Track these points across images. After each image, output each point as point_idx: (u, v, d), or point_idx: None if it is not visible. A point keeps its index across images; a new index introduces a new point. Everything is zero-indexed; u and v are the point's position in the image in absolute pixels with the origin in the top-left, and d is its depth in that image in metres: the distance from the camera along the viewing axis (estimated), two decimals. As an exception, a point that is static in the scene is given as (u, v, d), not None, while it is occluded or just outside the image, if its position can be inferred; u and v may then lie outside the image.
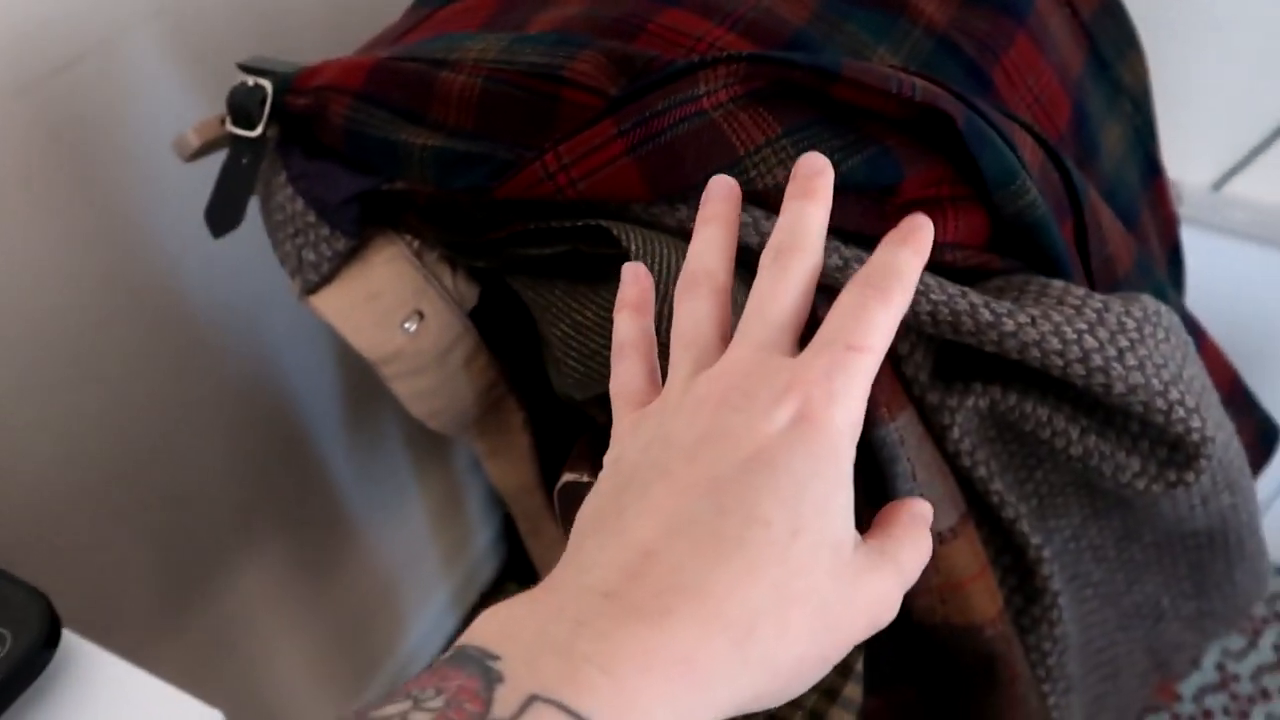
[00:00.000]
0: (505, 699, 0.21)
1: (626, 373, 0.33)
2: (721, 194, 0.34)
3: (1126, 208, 0.66)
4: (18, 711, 0.37)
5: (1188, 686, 0.84)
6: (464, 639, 0.23)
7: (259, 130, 0.52)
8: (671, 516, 0.25)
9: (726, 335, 0.31)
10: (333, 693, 1.18)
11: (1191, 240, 0.78)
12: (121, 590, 0.80)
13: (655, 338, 0.34)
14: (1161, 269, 0.69)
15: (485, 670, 0.22)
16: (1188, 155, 1.10)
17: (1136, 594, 0.59)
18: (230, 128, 0.53)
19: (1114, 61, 0.68)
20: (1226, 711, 0.80)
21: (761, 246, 0.46)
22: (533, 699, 0.21)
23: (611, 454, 0.29)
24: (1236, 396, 0.70)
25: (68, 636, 0.39)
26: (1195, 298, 0.79)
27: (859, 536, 0.27)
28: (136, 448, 0.78)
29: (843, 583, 0.26)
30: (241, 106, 0.52)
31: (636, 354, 0.33)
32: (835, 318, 0.28)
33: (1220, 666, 0.83)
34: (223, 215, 0.53)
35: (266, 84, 0.52)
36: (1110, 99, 0.68)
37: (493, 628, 0.23)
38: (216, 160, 0.56)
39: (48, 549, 0.71)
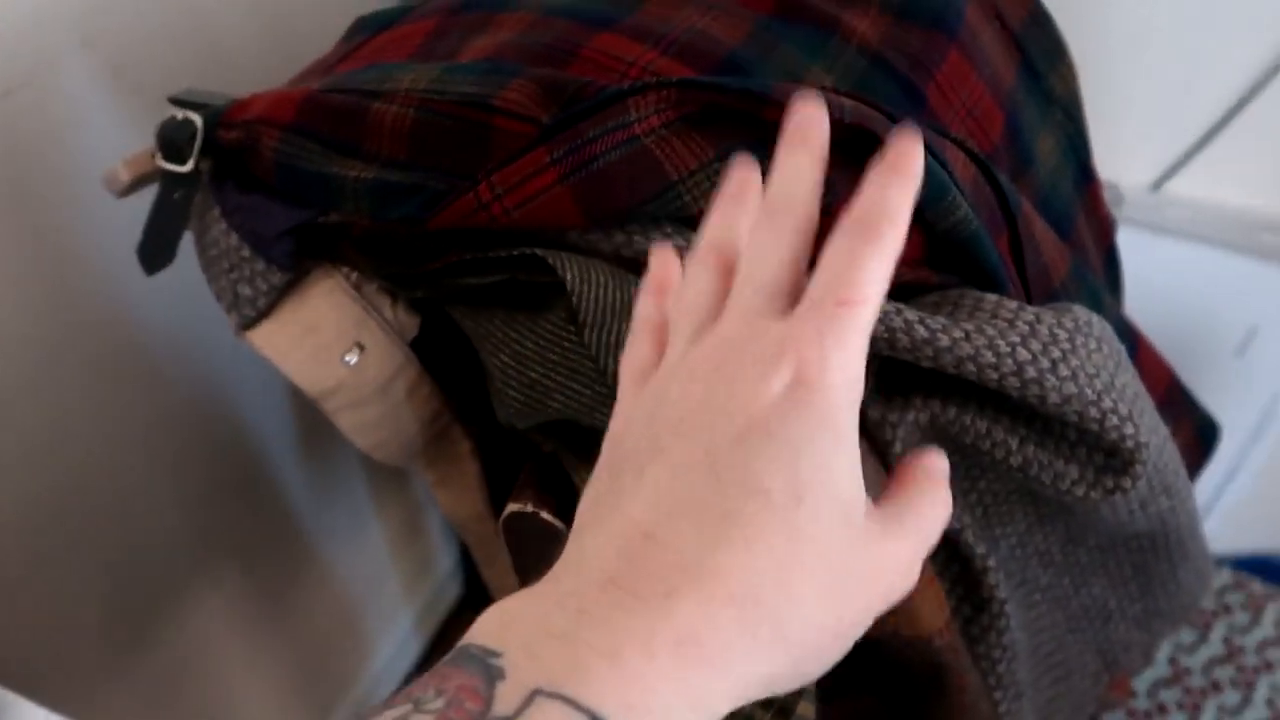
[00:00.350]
0: (507, 695, 0.21)
1: (636, 349, 0.32)
2: (741, 178, 0.33)
3: (1062, 215, 0.67)
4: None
5: (1142, 681, 0.85)
6: (465, 638, 0.23)
7: (190, 165, 0.51)
8: (669, 496, 0.24)
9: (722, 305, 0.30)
10: (295, 724, 1.16)
11: (1131, 240, 0.80)
12: (63, 633, 0.78)
13: (667, 320, 0.32)
14: (1098, 274, 0.71)
15: (486, 668, 0.21)
16: (1126, 156, 1.13)
17: (1084, 597, 0.60)
18: (161, 162, 0.52)
19: (1045, 72, 0.70)
20: (1180, 705, 0.81)
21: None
22: (535, 693, 0.21)
23: (612, 430, 0.29)
24: (1175, 396, 0.72)
25: (5, 696, 0.38)
26: (1136, 297, 0.80)
27: (870, 502, 0.26)
28: (80, 482, 0.76)
29: (854, 548, 0.25)
30: (171, 141, 0.51)
31: (649, 333, 0.32)
32: (824, 270, 0.27)
33: (1173, 660, 0.84)
34: (155, 252, 0.52)
35: (196, 118, 0.51)
36: (1042, 109, 0.70)
37: (493, 624, 0.23)
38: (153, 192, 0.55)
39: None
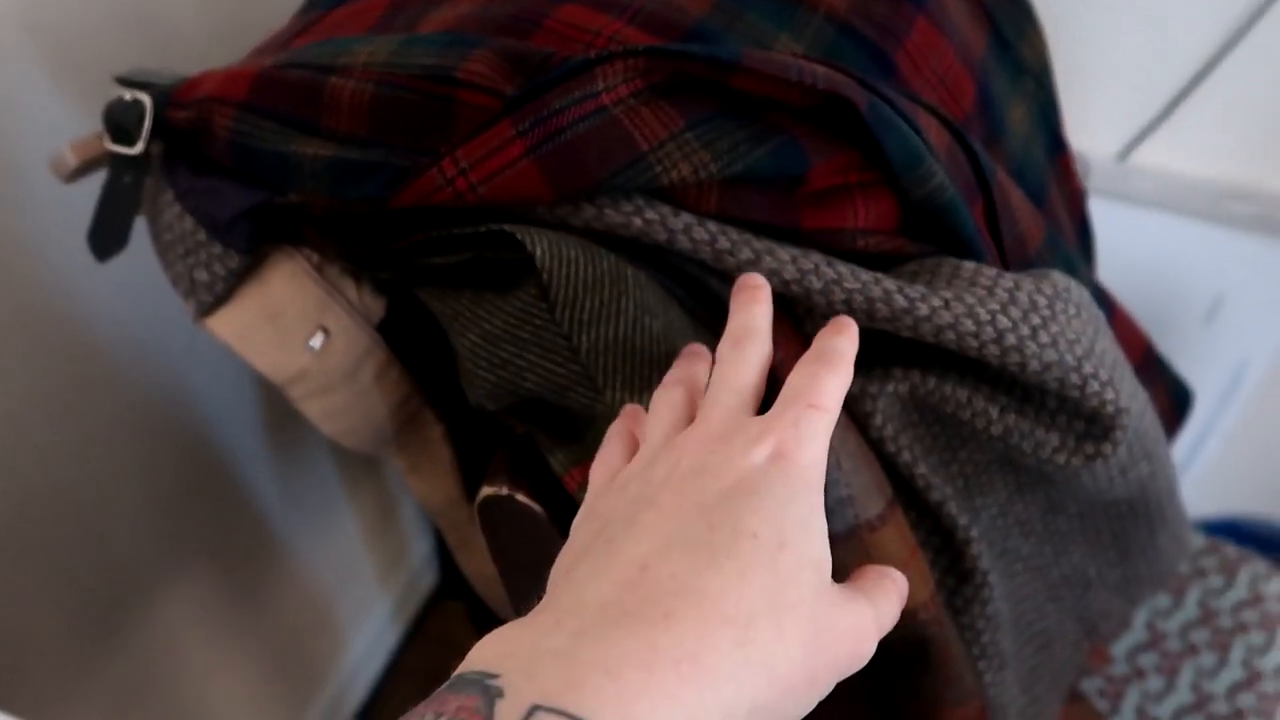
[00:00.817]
0: (506, 713, 0.21)
1: (608, 453, 0.36)
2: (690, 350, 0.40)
3: (1035, 185, 0.67)
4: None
5: (1119, 647, 0.86)
6: (461, 667, 0.23)
7: (140, 147, 0.49)
8: (662, 534, 0.26)
9: (694, 416, 0.34)
10: (272, 718, 1.15)
11: (1099, 211, 0.80)
12: (25, 638, 0.76)
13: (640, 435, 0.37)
14: (1071, 243, 0.70)
15: (485, 689, 0.22)
16: (1092, 127, 1.13)
17: (1064, 565, 0.60)
18: (110, 145, 0.50)
19: (1015, 41, 0.69)
20: (1158, 669, 0.82)
21: (669, 244, 0.46)
22: (535, 709, 0.21)
23: (583, 511, 0.31)
24: (1149, 363, 0.72)
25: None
26: (1105, 267, 0.80)
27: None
28: (37, 484, 0.74)
29: (827, 602, 0.27)
30: (119, 123, 0.49)
31: (621, 441, 0.36)
32: (793, 384, 0.32)
33: (1150, 625, 0.85)
34: (106, 238, 0.50)
35: (145, 98, 0.49)
36: (1013, 78, 0.69)
37: (489, 650, 0.23)
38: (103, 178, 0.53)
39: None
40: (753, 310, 0.37)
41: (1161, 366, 0.73)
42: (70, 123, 0.69)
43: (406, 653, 1.39)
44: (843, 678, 0.28)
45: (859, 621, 0.28)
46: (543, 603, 0.26)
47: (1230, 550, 0.91)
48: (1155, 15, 1.03)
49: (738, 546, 0.26)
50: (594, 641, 0.23)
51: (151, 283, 0.79)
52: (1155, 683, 0.81)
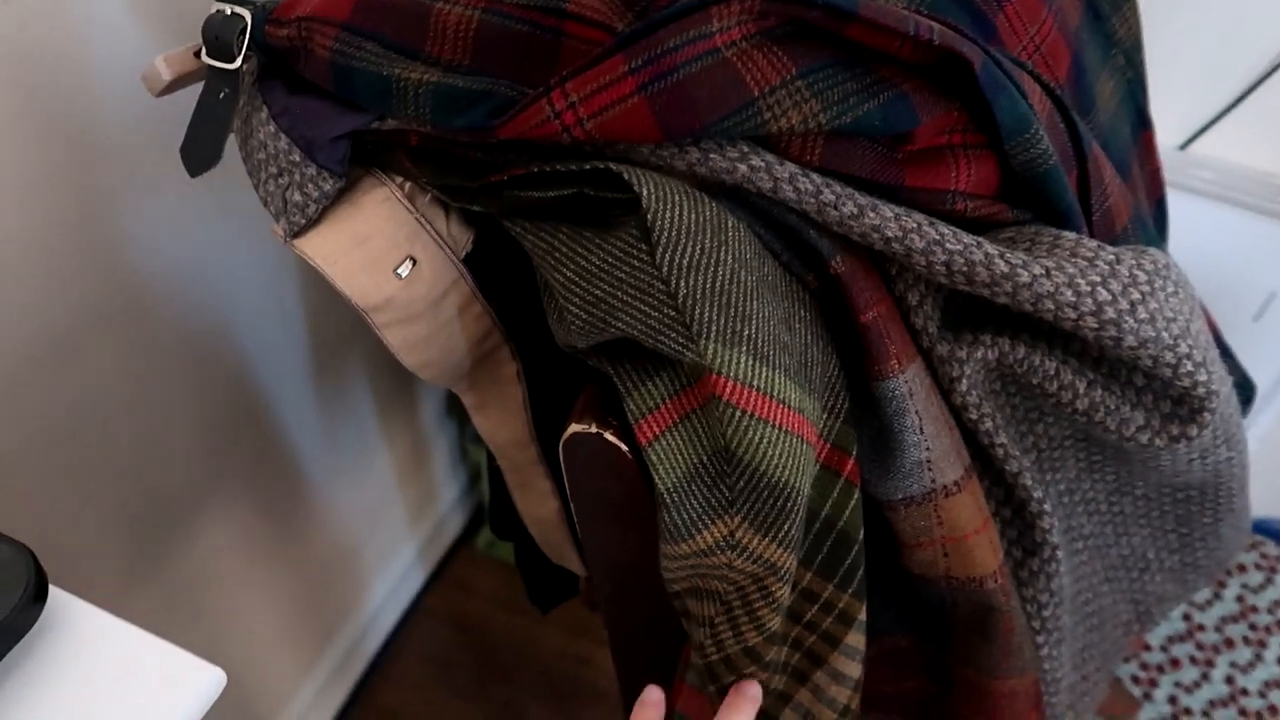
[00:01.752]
0: None
1: None
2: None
3: (1119, 161, 0.66)
4: (6, 669, 0.35)
5: (1156, 636, 0.86)
6: None
7: (238, 63, 0.49)
8: None
9: None
10: (299, 645, 1.16)
11: (1161, 199, 0.78)
12: (76, 551, 0.77)
13: None
14: (1150, 224, 0.69)
15: None
16: (1156, 116, 1.11)
17: (1124, 546, 0.60)
18: (206, 60, 0.49)
19: (1109, 14, 0.68)
20: (1193, 660, 0.82)
21: (773, 192, 0.45)
22: None
23: None
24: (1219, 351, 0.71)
25: (55, 592, 0.37)
26: (1173, 256, 0.79)
27: None
28: (92, 406, 0.74)
29: None
30: (218, 37, 0.49)
31: None
32: None
33: (1187, 616, 0.85)
34: (200, 153, 0.50)
35: (245, 13, 0.49)
36: (1104, 51, 0.68)
37: None
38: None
39: (3, 503, 0.67)
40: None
41: (1229, 357, 0.72)
42: (142, 42, 0.68)
43: (428, 595, 1.41)
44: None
45: None
46: None
47: (1271, 547, 0.90)
48: (1223, 8, 1.01)
49: None
50: None
51: (203, 218, 0.79)
52: (1190, 673, 0.81)
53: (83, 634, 0.37)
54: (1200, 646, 0.82)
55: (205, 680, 0.36)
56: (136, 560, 0.84)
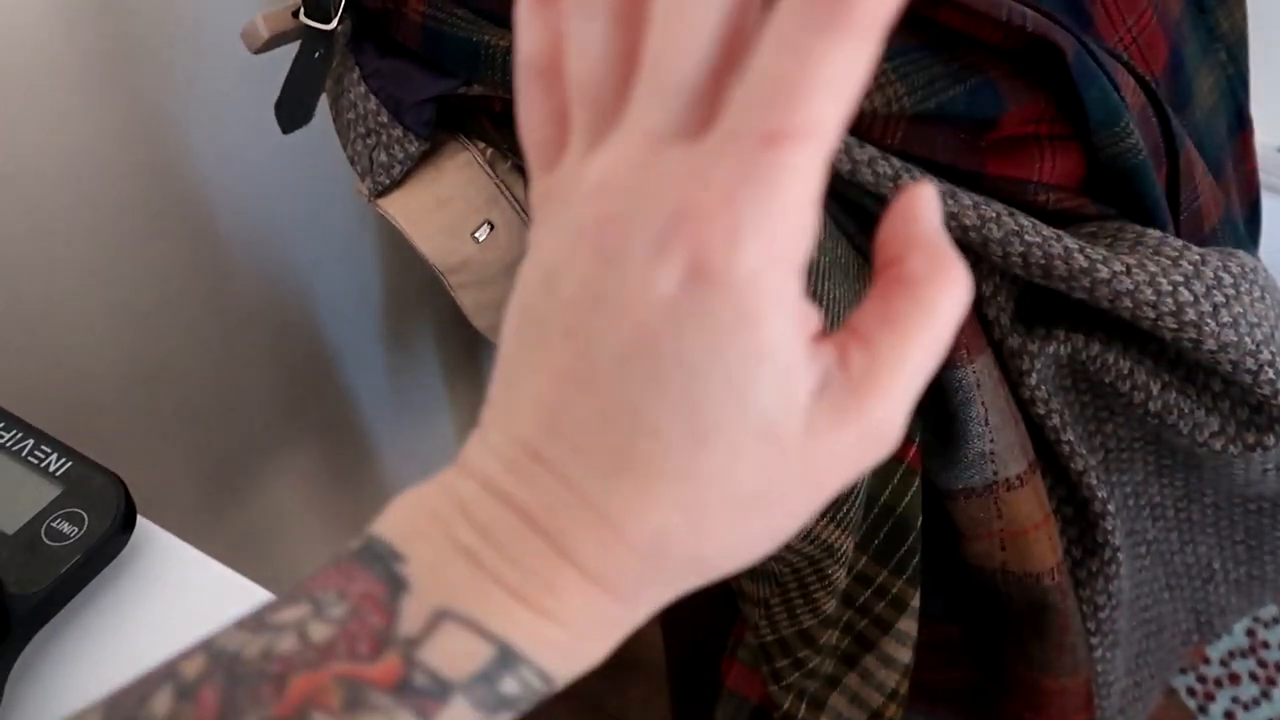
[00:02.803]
0: (412, 612, 0.19)
1: (530, 113, 0.22)
2: None
3: (1213, 159, 0.64)
4: (93, 592, 0.37)
5: (1216, 649, 0.84)
6: (376, 525, 0.21)
7: (333, 24, 0.50)
8: (552, 413, 0.20)
9: (630, 78, 0.20)
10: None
11: (1258, 201, 0.76)
12: (156, 490, 0.81)
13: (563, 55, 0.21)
14: (1241, 227, 0.67)
15: (391, 575, 0.20)
16: (1256, 115, 1.07)
17: (1189, 555, 0.59)
18: (305, 19, 0.51)
19: (1213, 7, 0.65)
20: (1254, 677, 0.80)
21: (851, 174, 0.45)
22: (442, 616, 0.19)
23: (528, 257, 0.22)
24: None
25: (141, 522, 0.39)
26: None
27: (826, 367, 0.20)
28: (181, 350, 0.78)
29: (789, 465, 0.19)
30: (316, -2, 0.50)
31: (541, 82, 0.21)
32: (750, 80, 0.17)
33: (1250, 632, 0.83)
34: (293, 110, 0.51)
35: (343, -25, 0.50)
36: (1205, 46, 0.65)
37: (402, 520, 0.21)
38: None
39: (94, 438, 0.71)
40: None
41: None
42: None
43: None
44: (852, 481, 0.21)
45: (864, 434, 0.20)
46: (469, 442, 0.21)
47: (1347, 568, 0.87)
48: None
49: (635, 450, 0.19)
50: (499, 548, 0.20)
51: (287, 180, 0.82)
52: (1249, 689, 0.79)
53: (166, 563, 0.39)
54: (1263, 664, 0.80)
55: (276, 614, 0.38)
56: (205, 504, 0.88)
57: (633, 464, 0.19)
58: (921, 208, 0.21)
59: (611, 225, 0.19)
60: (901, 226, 0.21)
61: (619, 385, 0.19)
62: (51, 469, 0.38)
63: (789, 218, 0.18)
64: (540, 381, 0.20)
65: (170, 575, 0.39)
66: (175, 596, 0.38)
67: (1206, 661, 0.82)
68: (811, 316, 0.20)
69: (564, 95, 0.21)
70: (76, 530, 0.36)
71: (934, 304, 0.20)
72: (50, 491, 0.37)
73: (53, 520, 0.36)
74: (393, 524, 0.21)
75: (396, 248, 1.01)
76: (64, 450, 0.38)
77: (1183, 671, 0.81)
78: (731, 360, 0.18)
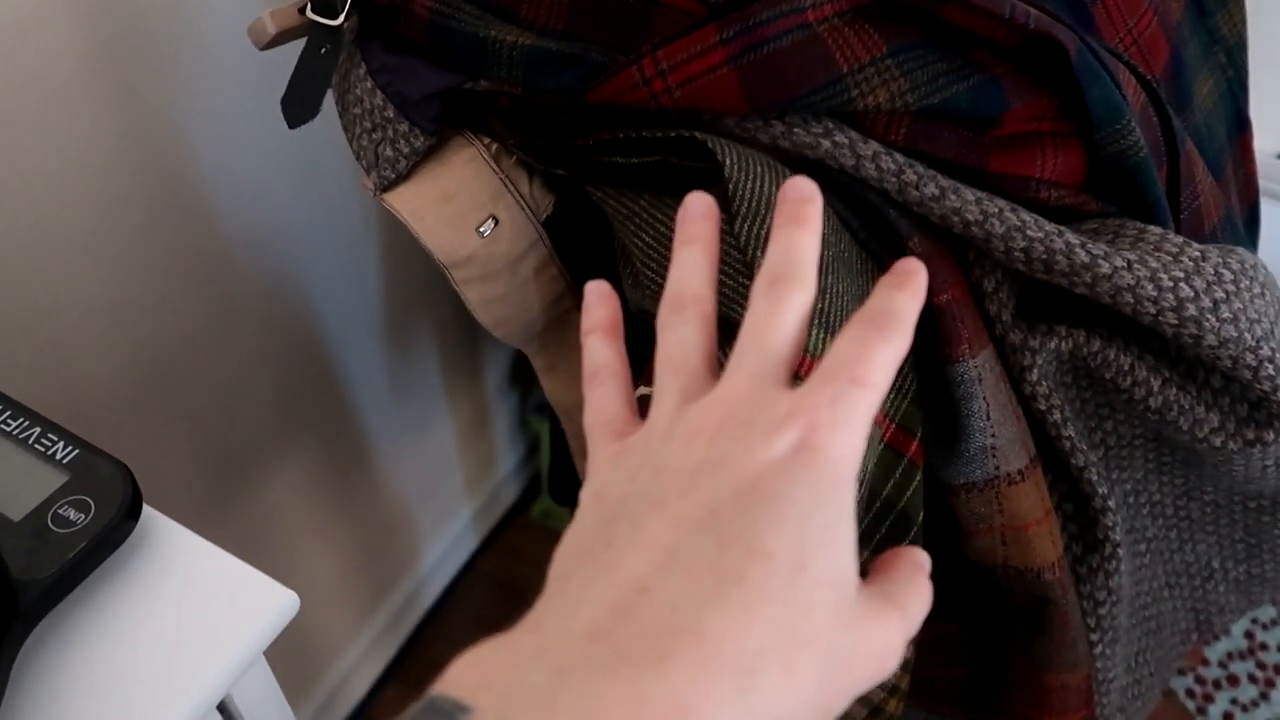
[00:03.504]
0: None
1: (603, 399, 0.30)
2: (700, 212, 0.31)
3: (1213, 161, 0.64)
4: (99, 579, 0.37)
5: (1214, 651, 0.84)
6: (438, 686, 0.21)
7: (340, 19, 0.51)
8: (667, 549, 0.23)
9: (713, 364, 0.29)
10: (356, 597, 1.20)
11: (1257, 206, 0.76)
12: (157, 489, 0.81)
13: (628, 365, 0.32)
14: (1241, 228, 0.68)
15: None
16: (1256, 121, 1.07)
17: (1188, 553, 0.59)
18: (311, 15, 0.51)
19: (1213, 10, 0.66)
20: (1252, 679, 0.80)
21: (854, 170, 0.45)
22: None
23: (591, 486, 0.27)
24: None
25: (147, 510, 0.39)
26: (1264, 264, 0.77)
27: (860, 581, 0.26)
28: (183, 343, 0.78)
29: (848, 627, 0.24)
30: (323, -7, 0.50)
31: (613, 379, 0.30)
32: (837, 352, 0.26)
33: (1248, 634, 0.83)
34: (299, 106, 0.52)
35: (350, -29, 0.50)
36: (1205, 49, 0.66)
37: (468, 675, 0.22)
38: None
39: (97, 434, 0.71)
40: (798, 239, 0.28)
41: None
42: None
43: (481, 559, 1.44)
44: (858, 696, 0.25)
45: (885, 640, 0.25)
46: (533, 613, 0.23)
47: (1345, 571, 0.87)
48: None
49: (749, 571, 0.22)
50: (577, 684, 0.20)
51: (289, 176, 0.82)
52: (1248, 691, 0.79)
53: (171, 551, 0.39)
54: (1261, 665, 0.80)
55: (282, 602, 0.38)
56: (207, 501, 0.88)
57: (744, 580, 0.22)
58: (917, 553, 0.28)
59: (732, 418, 0.25)
60: (901, 551, 0.29)
61: (739, 516, 0.23)
62: (58, 456, 0.38)
63: (861, 432, 0.25)
64: (656, 527, 0.24)
65: (176, 563, 0.39)
66: (181, 584, 0.38)
67: (1205, 663, 0.83)
68: None
69: (627, 387, 0.31)
70: (83, 517, 0.36)
71: (919, 591, 0.27)
72: (57, 479, 0.37)
73: (59, 507, 0.37)
74: (455, 682, 0.21)
75: (398, 247, 1.01)
76: (70, 438, 0.39)
77: (1181, 673, 0.81)
78: (827, 509, 0.24)
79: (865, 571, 0.27)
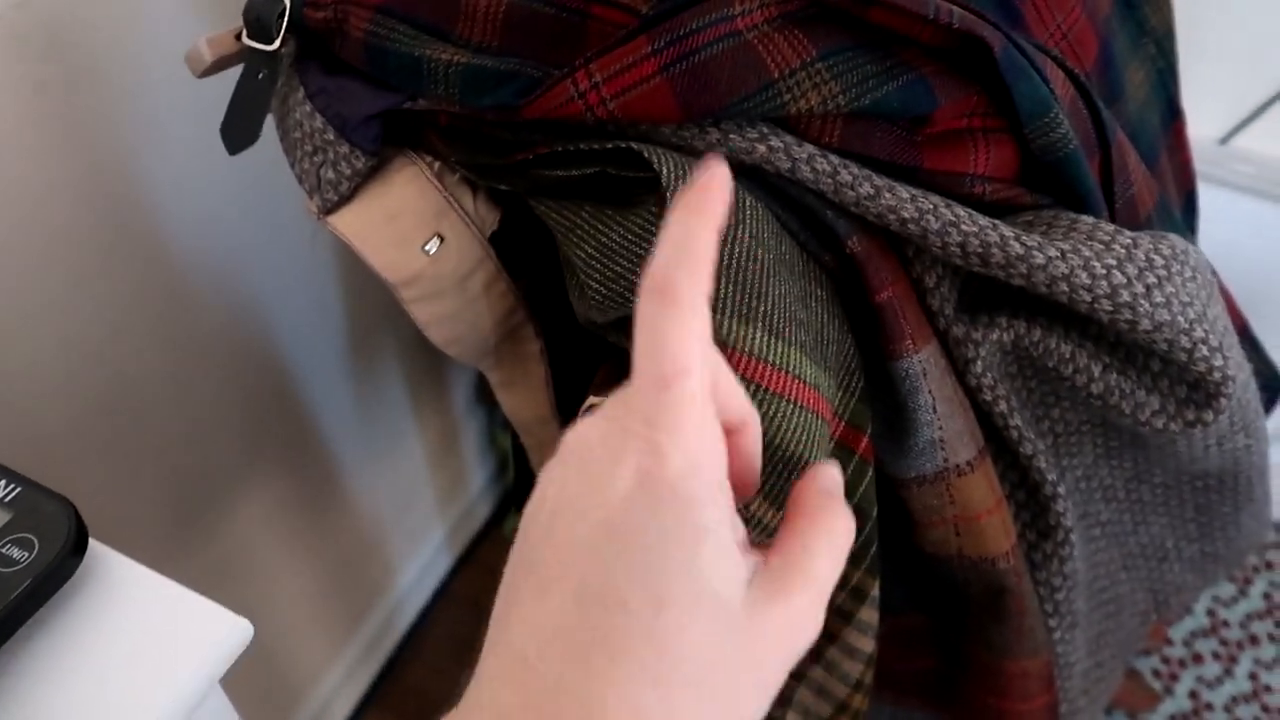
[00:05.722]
0: None
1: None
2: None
3: (1147, 151, 0.66)
4: (44, 617, 0.37)
5: (1178, 630, 0.85)
6: None
7: (277, 44, 0.51)
8: (540, 619, 0.24)
9: None
10: (330, 624, 1.19)
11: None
12: (120, 522, 0.80)
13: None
14: (1177, 214, 0.69)
15: None
16: (1195, 109, 1.10)
17: (1142, 535, 0.60)
18: (247, 41, 0.51)
19: (1140, 2, 0.68)
20: (1216, 656, 0.82)
21: (790, 173, 0.46)
22: None
23: (532, 496, 0.27)
24: (1244, 343, 0.71)
25: (94, 545, 0.39)
26: (1202, 250, 0.79)
27: (753, 565, 0.25)
28: (139, 379, 0.77)
29: (737, 639, 0.24)
30: (259, 19, 0.51)
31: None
32: (639, 348, 0.25)
33: (1211, 612, 0.84)
34: (238, 132, 0.52)
35: (284, -4, 0.50)
36: (1134, 40, 0.67)
37: None
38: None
39: (53, 472, 0.70)
40: (691, 227, 0.25)
41: (1256, 349, 0.71)
42: (184, 25, 0.71)
43: (456, 579, 1.43)
44: (789, 670, 0.25)
45: (789, 616, 0.25)
46: (473, 681, 0.25)
47: (1301, 545, 0.89)
48: (1269, 3, 0.99)
49: (610, 628, 0.22)
50: None
51: (241, 204, 0.81)
52: (1212, 668, 0.80)
53: (119, 585, 0.38)
54: (1224, 642, 0.81)
55: (234, 631, 0.38)
56: (173, 536, 0.87)
57: (607, 639, 0.22)
58: (824, 477, 0.28)
59: (591, 440, 0.25)
60: (806, 483, 0.28)
61: (592, 570, 0.23)
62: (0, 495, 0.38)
63: (694, 429, 0.24)
64: (529, 595, 0.24)
65: (125, 596, 0.38)
66: (131, 618, 0.38)
67: (1170, 643, 0.84)
68: (739, 526, 0.26)
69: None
70: (26, 555, 0.36)
71: (831, 528, 0.26)
72: (-1, 518, 0.37)
73: (1, 546, 0.36)
74: None
75: (355, 269, 1.01)
76: (12, 476, 0.38)
77: (1147, 653, 0.83)
78: (678, 537, 0.23)
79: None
